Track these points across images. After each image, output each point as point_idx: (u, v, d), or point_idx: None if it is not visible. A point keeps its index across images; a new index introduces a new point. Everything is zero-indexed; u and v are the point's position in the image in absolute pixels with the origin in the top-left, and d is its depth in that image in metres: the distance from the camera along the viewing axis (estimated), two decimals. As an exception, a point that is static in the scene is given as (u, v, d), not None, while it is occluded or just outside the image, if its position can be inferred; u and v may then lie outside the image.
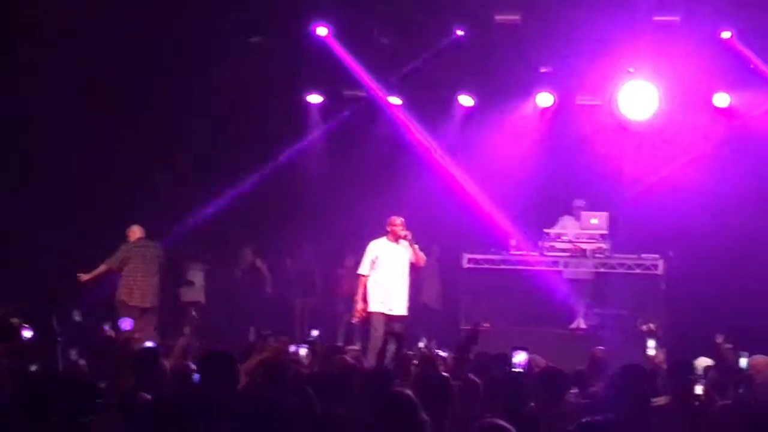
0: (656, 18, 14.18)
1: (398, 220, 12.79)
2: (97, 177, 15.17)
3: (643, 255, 14.51)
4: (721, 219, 15.28)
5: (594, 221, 14.67)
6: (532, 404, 7.06)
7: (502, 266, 14.90)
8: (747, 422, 6.13)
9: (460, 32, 14.99)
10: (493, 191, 16.04)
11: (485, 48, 15.05)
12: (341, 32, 15.05)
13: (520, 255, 14.79)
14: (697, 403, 7.26)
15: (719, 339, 10.15)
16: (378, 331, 12.22)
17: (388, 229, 12.77)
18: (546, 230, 14.77)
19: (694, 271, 14.77)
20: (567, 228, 14.92)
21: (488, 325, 14.51)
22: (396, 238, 12.71)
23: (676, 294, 14.39)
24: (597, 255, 14.62)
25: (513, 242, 14.85)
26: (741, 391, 8.35)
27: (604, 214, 14.74)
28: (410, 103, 16.13)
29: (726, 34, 14.54)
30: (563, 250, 14.72)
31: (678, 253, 14.60)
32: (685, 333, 12.83)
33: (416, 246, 12.70)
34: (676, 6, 14.11)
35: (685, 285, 14.42)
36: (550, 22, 14.18)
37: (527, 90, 16.06)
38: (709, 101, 15.54)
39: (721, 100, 15.48)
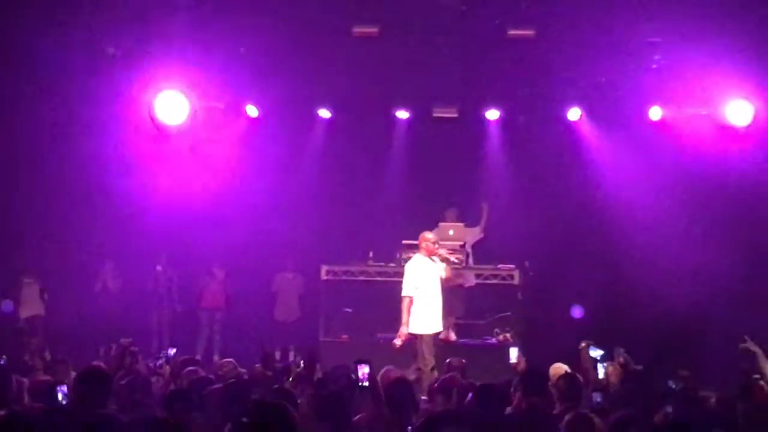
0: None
1: (430, 235, 12.57)
2: None
3: (500, 265, 14.73)
4: (576, 229, 15.72)
5: (451, 232, 14.83)
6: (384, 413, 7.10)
7: (361, 278, 14.94)
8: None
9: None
10: (352, 203, 16.12)
11: (343, 61, 15.05)
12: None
13: (378, 266, 14.85)
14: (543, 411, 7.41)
15: (582, 345, 10.30)
16: (433, 350, 11.83)
17: (422, 245, 12.50)
18: (404, 241, 14.85)
19: (549, 280, 15.14)
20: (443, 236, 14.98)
21: (346, 336, 14.60)
22: (430, 253, 12.46)
23: (532, 303, 14.67)
24: (455, 266, 14.74)
25: (371, 254, 14.90)
26: (599, 400, 8.45)
27: (461, 225, 14.95)
28: (269, 115, 16.01)
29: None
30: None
31: (533, 263, 14.88)
32: (541, 341, 13.07)
33: (450, 261, 12.51)
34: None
35: (540, 294, 14.72)
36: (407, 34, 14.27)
37: (387, 102, 16.17)
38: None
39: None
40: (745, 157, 15.11)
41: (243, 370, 9.86)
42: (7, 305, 11.21)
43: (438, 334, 12.26)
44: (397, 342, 12.15)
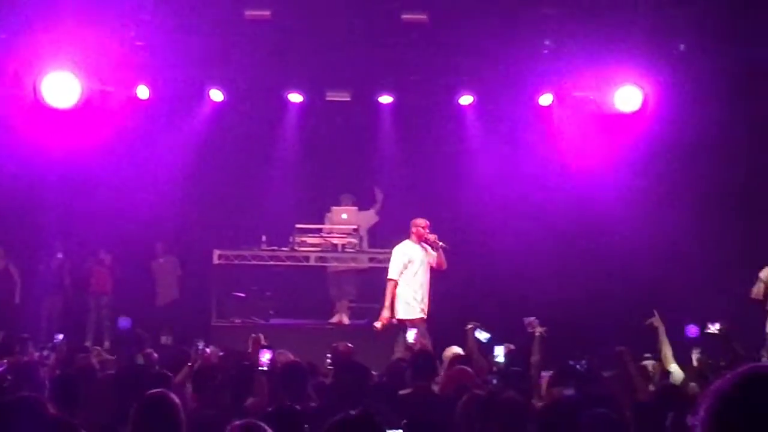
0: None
1: (423, 222, 12.42)
2: None
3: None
4: (469, 212, 15.89)
5: (344, 216, 14.85)
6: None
7: (254, 262, 14.87)
8: (483, 415, 6.26)
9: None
10: (245, 186, 16.04)
11: (235, 44, 14.93)
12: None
13: (271, 251, 14.80)
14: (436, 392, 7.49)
15: (468, 326, 10.38)
16: (426, 336, 11.62)
17: (413, 230, 12.39)
18: (298, 225, 14.83)
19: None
20: (336, 220, 14.96)
21: (239, 321, 14.55)
22: (420, 239, 12.34)
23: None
24: (348, 250, 14.78)
25: (264, 238, 14.84)
26: (495, 381, 8.53)
27: (354, 209, 14.98)
28: (160, 97, 15.79)
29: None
30: (315, 245, 14.82)
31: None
32: (440, 323, 13.16)
33: (441, 249, 12.36)
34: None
35: (436, 277, 14.78)
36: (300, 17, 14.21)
37: (280, 85, 16.10)
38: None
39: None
40: (634, 143, 15.46)
41: (111, 357, 9.82)
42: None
43: (424, 319, 12.19)
44: (377, 325, 12.16)
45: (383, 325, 12.13)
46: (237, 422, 4.98)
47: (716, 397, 2.39)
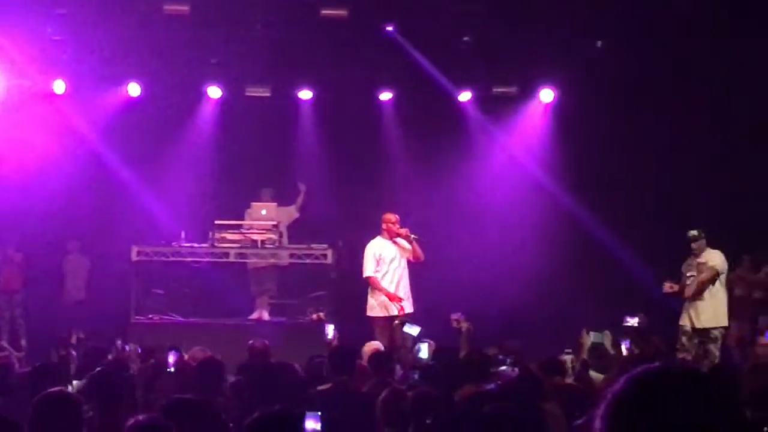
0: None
1: (393, 217, 12.38)
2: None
3: (313, 245, 14.77)
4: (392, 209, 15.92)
5: (264, 212, 14.79)
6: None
7: (173, 258, 14.76)
8: (398, 410, 6.29)
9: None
10: (164, 182, 15.89)
11: (154, 38, 14.81)
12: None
13: (190, 247, 14.69)
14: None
15: (396, 322, 10.45)
16: (383, 337, 11.54)
17: (384, 227, 12.38)
18: (217, 221, 14.73)
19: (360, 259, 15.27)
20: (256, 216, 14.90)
21: (158, 317, 14.43)
22: (391, 235, 12.32)
23: (346, 282, 14.77)
24: (267, 245, 14.73)
25: (182, 234, 14.72)
26: (416, 377, 8.57)
27: (273, 205, 14.92)
28: (77, 92, 15.59)
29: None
30: (234, 241, 14.74)
31: (346, 242, 14.99)
32: (356, 320, 13.20)
33: (414, 241, 12.33)
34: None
35: (354, 273, 14.81)
36: (219, 13, 14.15)
37: (199, 80, 16.00)
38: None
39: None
40: (549, 137, 15.68)
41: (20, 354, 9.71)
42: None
43: (407, 315, 12.20)
44: (401, 313, 12.15)
45: (400, 315, 12.13)
46: (140, 417, 4.96)
47: (610, 402, 2.36)
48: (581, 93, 15.47)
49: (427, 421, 6.03)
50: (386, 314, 12.31)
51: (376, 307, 12.42)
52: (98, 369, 7.72)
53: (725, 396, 2.36)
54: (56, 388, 5.78)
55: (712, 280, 12.47)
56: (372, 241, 12.65)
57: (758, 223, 14.62)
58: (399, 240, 12.58)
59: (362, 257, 12.76)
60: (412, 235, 12.47)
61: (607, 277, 15.25)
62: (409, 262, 12.60)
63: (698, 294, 12.42)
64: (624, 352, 9.39)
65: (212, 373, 7.30)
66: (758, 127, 14.81)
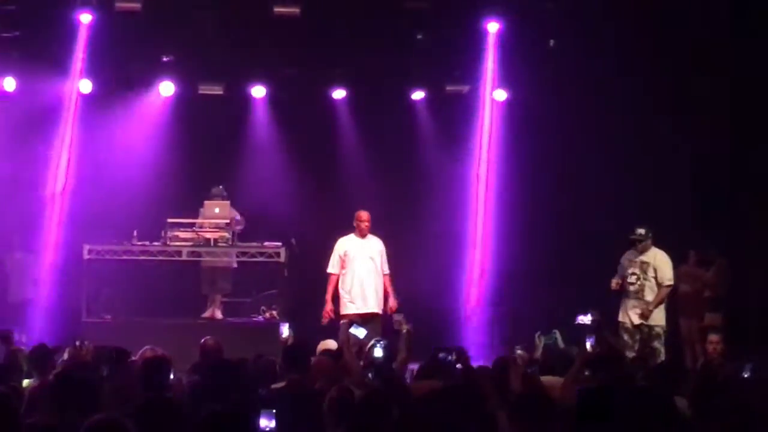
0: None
1: (365, 215, 12.40)
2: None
3: (266, 243, 14.74)
4: (340, 205, 15.92)
5: (217, 210, 14.73)
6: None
7: (125, 257, 14.66)
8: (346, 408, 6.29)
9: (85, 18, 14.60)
10: (116, 180, 15.74)
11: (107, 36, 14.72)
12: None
13: (143, 245, 14.60)
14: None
15: (342, 321, 10.45)
16: (345, 334, 11.44)
17: (355, 224, 12.43)
18: (169, 219, 14.64)
19: (317, 257, 15.25)
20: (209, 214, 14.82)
21: (110, 317, 14.33)
22: (363, 233, 12.32)
23: (299, 280, 14.77)
24: (220, 244, 14.68)
25: (135, 233, 14.62)
26: (370, 376, 8.55)
27: (226, 203, 14.85)
28: (23, 88, 15.42)
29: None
30: (187, 240, 14.67)
31: (299, 240, 14.98)
32: (309, 318, 13.19)
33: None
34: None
35: (307, 271, 14.81)
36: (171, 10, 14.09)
37: (151, 77, 15.89)
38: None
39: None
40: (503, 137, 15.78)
41: None
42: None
43: (374, 315, 12.33)
44: (324, 321, 12.34)
45: (326, 320, 12.35)
46: (96, 417, 4.93)
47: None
48: (534, 92, 15.55)
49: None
50: (351, 311, 12.33)
51: (344, 304, 12.51)
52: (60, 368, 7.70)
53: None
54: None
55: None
56: (342, 237, 12.72)
57: (703, 218, 14.81)
58: (370, 238, 12.65)
59: (317, 255, 12.80)
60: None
61: (557, 275, 15.34)
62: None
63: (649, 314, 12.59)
64: (588, 348, 9.45)
65: (157, 370, 7.26)
66: (713, 122, 15.01)
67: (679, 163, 15.32)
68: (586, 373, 8.33)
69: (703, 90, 14.88)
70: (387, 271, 12.88)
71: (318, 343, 10.10)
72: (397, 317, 10.28)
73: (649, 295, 12.63)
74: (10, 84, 15.21)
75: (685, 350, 14.11)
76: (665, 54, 14.64)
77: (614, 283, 12.72)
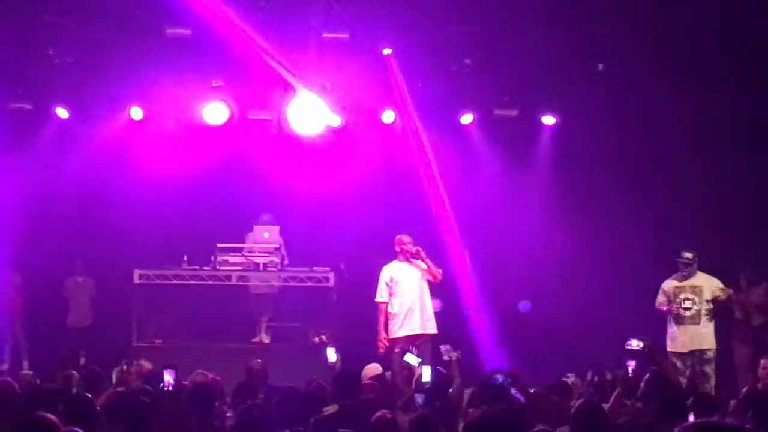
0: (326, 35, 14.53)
1: (406, 238, 12.39)
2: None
3: (315, 268, 14.75)
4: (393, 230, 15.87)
5: (266, 235, 14.78)
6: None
7: (175, 282, 14.73)
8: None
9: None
10: (166, 206, 15.80)
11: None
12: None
13: (192, 270, 14.67)
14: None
15: (396, 350, 10.45)
16: (398, 364, 11.41)
17: (397, 249, 12.40)
18: (219, 244, 14.71)
19: (365, 282, 15.22)
20: (258, 239, 14.85)
21: (160, 341, 14.41)
22: (407, 257, 12.31)
23: (348, 305, 14.75)
24: (269, 269, 14.72)
25: (185, 257, 14.71)
26: (420, 401, 8.49)
27: (276, 228, 14.89)
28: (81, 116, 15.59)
29: (387, 51, 14.99)
30: (236, 264, 14.73)
31: (348, 265, 14.97)
32: (358, 342, 13.20)
33: (428, 260, 12.38)
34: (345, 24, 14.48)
35: (356, 296, 14.79)
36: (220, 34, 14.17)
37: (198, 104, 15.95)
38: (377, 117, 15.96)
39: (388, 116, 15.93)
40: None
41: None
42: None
43: (421, 336, 12.24)
44: (380, 351, 12.20)
45: (382, 348, 12.22)
46: None
47: None
48: (583, 115, 15.47)
49: None
50: (403, 334, 12.26)
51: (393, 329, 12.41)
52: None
53: None
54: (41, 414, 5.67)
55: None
56: (386, 265, 12.63)
57: (748, 240, 14.61)
58: (415, 260, 12.53)
59: (369, 280, 12.76)
60: (423, 253, 12.41)
61: (610, 301, 15.18)
62: (430, 282, 12.57)
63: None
64: (629, 372, 9.36)
65: (205, 396, 7.27)
66: (757, 144, 14.85)
67: (732, 186, 15.12)
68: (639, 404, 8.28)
69: (756, 111, 14.71)
70: (438, 270, 12.74)
71: (363, 368, 10.09)
72: (444, 347, 10.30)
73: (706, 320, 12.50)
74: (63, 112, 15.38)
75: (742, 376, 13.87)
76: (716, 76, 14.48)
77: (674, 307, 12.58)
